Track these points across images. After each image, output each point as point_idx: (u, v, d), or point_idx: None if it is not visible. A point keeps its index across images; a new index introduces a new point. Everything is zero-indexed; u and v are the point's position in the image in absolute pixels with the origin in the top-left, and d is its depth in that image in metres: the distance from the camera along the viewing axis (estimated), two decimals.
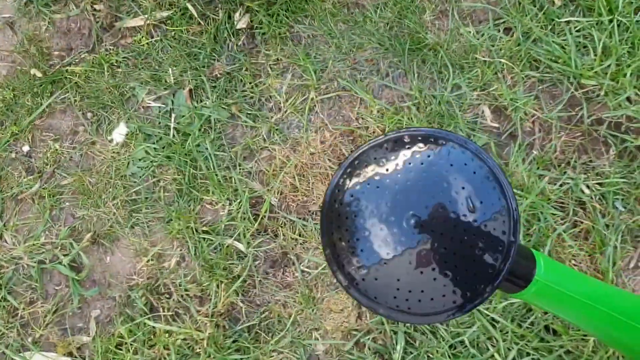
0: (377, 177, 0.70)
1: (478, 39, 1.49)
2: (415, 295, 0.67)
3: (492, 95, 1.48)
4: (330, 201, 0.71)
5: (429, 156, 0.69)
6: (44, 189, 1.55)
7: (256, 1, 1.59)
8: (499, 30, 1.50)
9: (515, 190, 1.41)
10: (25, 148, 1.58)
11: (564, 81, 1.45)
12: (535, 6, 1.49)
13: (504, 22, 1.51)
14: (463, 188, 0.67)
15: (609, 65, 1.42)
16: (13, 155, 1.59)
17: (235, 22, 1.59)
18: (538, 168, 1.42)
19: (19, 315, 1.52)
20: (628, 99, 1.41)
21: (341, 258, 0.69)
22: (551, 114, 1.44)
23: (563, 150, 1.44)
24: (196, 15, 1.60)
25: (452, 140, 0.69)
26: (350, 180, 0.71)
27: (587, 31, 1.46)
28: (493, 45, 1.49)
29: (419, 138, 0.69)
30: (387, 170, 0.70)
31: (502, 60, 1.47)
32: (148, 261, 1.49)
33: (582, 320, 0.76)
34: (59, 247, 1.53)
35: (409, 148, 0.69)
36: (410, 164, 0.69)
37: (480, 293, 0.66)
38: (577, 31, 1.45)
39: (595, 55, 1.43)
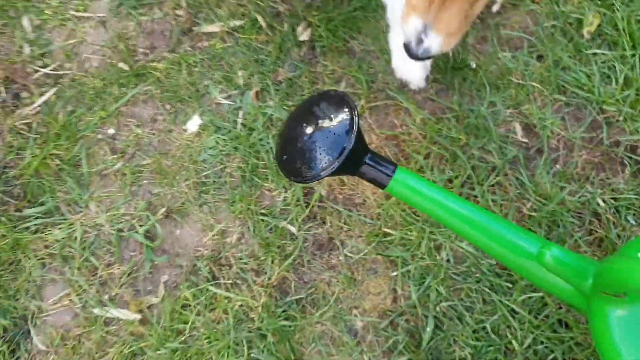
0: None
1: (513, 63, 1.70)
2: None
3: (524, 113, 1.69)
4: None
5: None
6: (125, 167, 1.78)
7: (317, 17, 1.80)
8: (532, 57, 1.71)
9: (538, 198, 1.62)
10: (111, 131, 1.82)
11: (588, 106, 1.65)
12: (565, 38, 1.68)
13: (537, 50, 1.71)
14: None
15: (628, 95, 1.61)
16: (100, 136, 1.82)
17: (298, 35, 1.81)
18: (560, 180, 1.62)
19: (98, 274, 1.77)
20: None
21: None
22: (574, 134, 1.64)
23: (583, 167, 1.65)
24: (264, 26, 1.82)
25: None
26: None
27: (611, 63, 1.66)
28: (526, 70, 1.69)
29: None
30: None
31: (534, 83, 1.68)
32: (213, 236, 1.72)
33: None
34: (136, 219, 1.77)
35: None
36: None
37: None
38: (602, 62, 1.65)
39: (617, 85, 1.63)
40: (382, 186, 1.05)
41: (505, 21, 1.74)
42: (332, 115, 1.03)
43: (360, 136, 1.01)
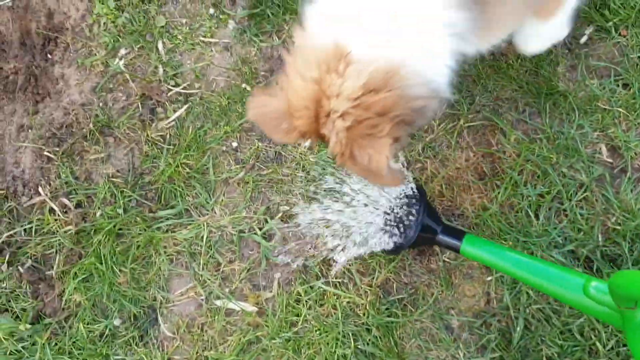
0: None
1: (600, 91, 1.87)
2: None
3: (609, 136, 1.86)
4: None
5: None
6: (248, 175, 2.03)
7: None
8: (618, 85, 1.88)
9: (623, 214, 1.79)
10: (234, 144, 2.07)
11: None
12: None
13: (622, 78, 1.88)
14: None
15: None
16: (224, 148, 2.07)
17: None
18: None
19: (221, 270, 2.01)
20: None
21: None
22: None
23: None
24: None
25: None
26: None
27: None
28: (612, 97, 1.87)
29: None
30: None
31: (620, 109, 1.85)
32: (323, 239, 1.95)
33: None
34: (256, 221, 2.00)
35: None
36: None
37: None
38: None
39: None
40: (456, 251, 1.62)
41: (592, 52, 1.92)
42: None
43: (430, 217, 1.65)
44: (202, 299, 2.01)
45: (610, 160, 1.86)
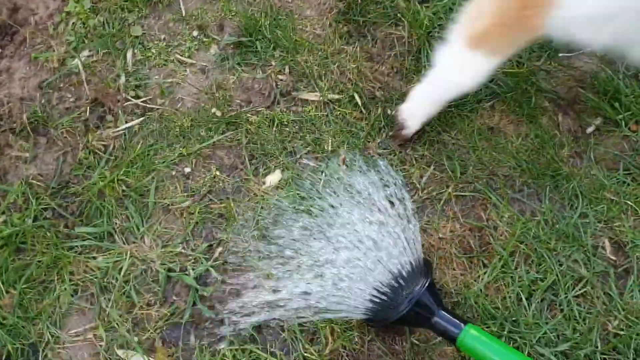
0: None
1: (608, 180, 1.68)
2: None
3: (614, 230, 1.63)
4: None
5: None
6: (193, 205, 1.70)
7: None
8: (626, 178, 1.69)
9: (629, 316, 1.51)
10: (187, 170, 1.76)
11: None
12: None
13: (631, 173, 1.70)
14: None
15: None
16: (174, 172, 1.76)
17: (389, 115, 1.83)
18: None
19: (135, 312, 1.59)
20: None
21: None
22: None
23: None
24: (360, 104, 1.85)
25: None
26: None
27: None
28: (621, 189, 1.67)
29: None
30: None
31: (629, 202, 1.65)
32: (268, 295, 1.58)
33: None
34: (191, 260, 1.64)
35: None
36: None
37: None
38: None
39: None
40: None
41: (600, 142, 1.76)
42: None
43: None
44: (102, 345, 1.57)
45: (613, 257, 1.61)
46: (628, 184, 1.68)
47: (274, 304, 1.54)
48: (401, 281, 1.42)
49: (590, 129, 1.78)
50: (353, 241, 1.49)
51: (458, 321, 1.37)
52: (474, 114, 1.82)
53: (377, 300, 1.42)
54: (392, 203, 1.58)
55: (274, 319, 1.54)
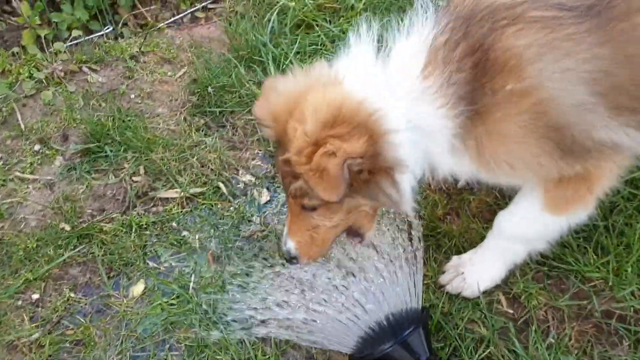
0: None
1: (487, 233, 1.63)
2: None
3: (506, 282, 1.56)
4: None
5: None
6: (44, 336, 1.46)
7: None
8: None
9: None
10: (35, 296, 1.54)
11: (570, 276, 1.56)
12: None
13: None
14: None
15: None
16: (20, 302, 1.54)
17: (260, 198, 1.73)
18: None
19: None
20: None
21: None
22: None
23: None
24: (226, 193, 1.74)
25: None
26: None
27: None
28: None
29: None
30: None
31: None
32: None
33: None
34: None
35: None
36: None
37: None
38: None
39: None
40: None
41: (472, 197, 1.72)
42: None
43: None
44: None
45: (511, 310, 1.53)
46: None
47: None
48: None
49: (460, 183, 1.75)
50: None
51: None
52: None
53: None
54: None
55: None
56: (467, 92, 1.22)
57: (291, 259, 1.42)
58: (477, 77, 1.22)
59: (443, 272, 1.56)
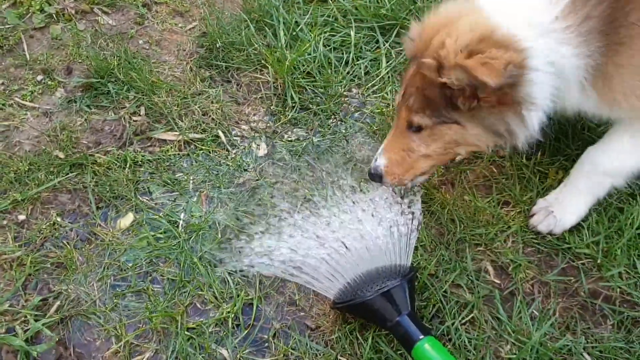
0: None
1: (482, 204, 1.63)
2: None
3: (495, 252, 1.55)
4: None
5: None
6: (26, 255, 1.44)
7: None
8: (500, 202, 1.65)
9: (520, 338, 1.40)
10: (21, 217, 1.53)
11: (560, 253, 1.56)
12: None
13: (503, 195, 1.66)
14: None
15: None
16: (5, 222, 1.52)
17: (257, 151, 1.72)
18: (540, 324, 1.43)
19: None
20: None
21: None
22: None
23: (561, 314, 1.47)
24: (225, 142, 1.73)
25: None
26: None
27: None
28: (497, 212, 1.62)
29: None
30: None
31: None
32: (117, 349, 1.33)
33: None
34: (20, 319, 1.36)
35: None
36: None
37: None
38: None
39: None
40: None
41: (469, 169, 1.72)
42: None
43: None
44: None
45: (497, 280, 1.53)
46: (502, 208, 1.64)
47: None
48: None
49: (458, 157, 1.75)
50: None
51: (420, 330, 1.30)
52: None
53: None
54: None
55: None
56: (604, 24, 1.29)
57: (376, 176, 1.49)
58: (615, 10, 1.29)
59: (532, 216, 1.59)
